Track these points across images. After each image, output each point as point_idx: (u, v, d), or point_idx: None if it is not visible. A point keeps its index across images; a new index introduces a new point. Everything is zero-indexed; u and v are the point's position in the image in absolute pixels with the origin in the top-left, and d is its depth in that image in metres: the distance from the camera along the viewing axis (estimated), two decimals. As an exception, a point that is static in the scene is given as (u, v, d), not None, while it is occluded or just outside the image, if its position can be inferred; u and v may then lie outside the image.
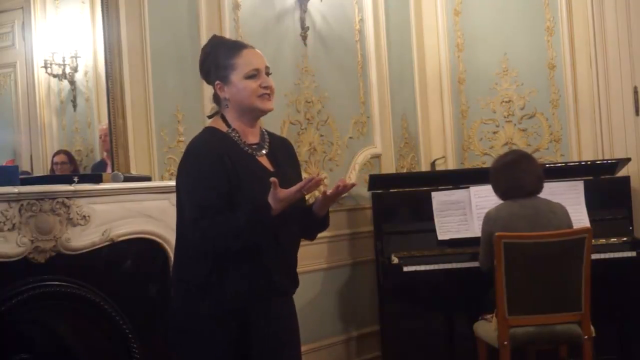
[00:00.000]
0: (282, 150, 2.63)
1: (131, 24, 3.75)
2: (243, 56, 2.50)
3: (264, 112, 2.54)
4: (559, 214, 3.86)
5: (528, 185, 3.87)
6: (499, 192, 3.98)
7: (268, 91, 2.50)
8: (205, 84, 3.98)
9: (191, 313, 2.46)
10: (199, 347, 2.45)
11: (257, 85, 2.48)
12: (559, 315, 3.73)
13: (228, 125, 2.52)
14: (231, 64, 2.49)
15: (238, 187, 2.41)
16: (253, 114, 2.53)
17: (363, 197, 5.02)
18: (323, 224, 2.61)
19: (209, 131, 2.53)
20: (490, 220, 3.89)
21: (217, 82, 2.52)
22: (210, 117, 2.64)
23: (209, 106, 4.02)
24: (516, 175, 3.89)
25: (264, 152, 2.55)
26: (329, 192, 2.48)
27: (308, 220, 2.57)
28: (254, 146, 2.53)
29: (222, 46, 2.56)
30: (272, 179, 2.35)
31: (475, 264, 4.27)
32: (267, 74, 2.53)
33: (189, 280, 2.47)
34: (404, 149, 5.44)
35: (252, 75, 2.49)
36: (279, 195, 2.34)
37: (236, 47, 2.55)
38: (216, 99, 2.57)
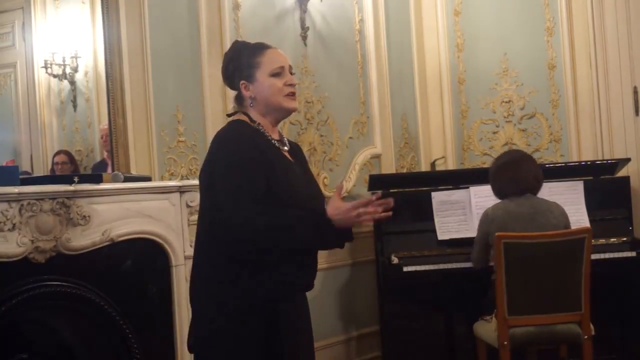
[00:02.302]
0: (297, 153, 2.66)
1: (131, 24, 3.75)
2: (267, 55, 2.53)
3: (289, 112, 2.56)
4: (556, 213, 3.87)
5: (525, 183, 3.89)
6: (496, 190, 3.99)
7: (293, 89, 2.53)
8: (205, 84, 4.05)
9: (219, 312, 2.42)
10: (228, 346, 2.42)
11: (283, 84, 2.50)
12: (559, 315, 3.73)
13: (252, 121, 2.52)
14: (256, 62, 2.51)
15: (272, 176, 2.40)
16: (278, 114, 2.54)
17: (363, 197, 5.00)
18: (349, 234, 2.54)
19: (238, 123, 2.51)
20: (487, 220, 3.90)
21: (242, 81, 2.53)
22: (229, 115, 2.62)
23: (209, 106, 4.04)
24: (514, 174, 3.91)
25: (286, 148, 2.57)
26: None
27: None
28: (278, 141, 2.55)
29: (245, 48, 2.58)
30: (338, 184, 2.42)
31: (475, 264, 4.28)
32: (291, 73, 2.55)
33: (217, 277, 2.42)
34: (404, 149, 5.44)
35: (277, 73, 2.51)
36: (336, 202, 2.36)
37: (260, 46, 2.57)
38: (239, 99, 2.57)
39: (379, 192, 2.71)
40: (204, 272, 2.49)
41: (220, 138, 2.47)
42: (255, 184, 2.36)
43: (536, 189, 3.93)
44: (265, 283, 2.40)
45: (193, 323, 2.53)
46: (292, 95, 2.52)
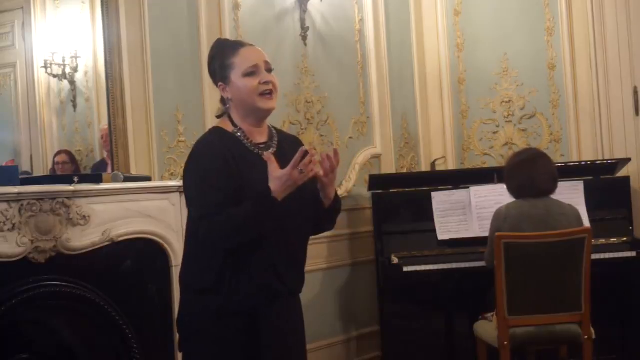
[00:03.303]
0: (293, 148, 2.54)
1: (131, 24, 3.75)
2: (240, 54, 2.48)
3: (266, 112, 2.50)
4: (569, 215, 3.84)
5: (541, 184, 3.85)
6: (512, 190, 3.95)
7: (269, 87, 2.46)
8: (205, 84, 4.05)
9: (201, 314, 2.45)
10: (209, 347, 2.44)
11: (257, 83, 2.45)
12: (559, 315, 3.73)
13: (235, 125, 2.50)
14: (230, 63, 2.48)
15: (244, 188, 2.38)
16: (256, 114, 2.49)
17: (363, 197, 5.01)
18: (335, 209, 2.55)
19: (214, 132, 2.52)
20: (500, 217, 3.87)
21: (219, 83, 2.52)
22: (218, 117, 2.62)
23: (209, 106, 4.04)
24: (530, 174, 3.86)
25: (271, 151, 2.50)
26: (320, 172, 2.43)
27: (320, 211, 2.53)
28: (261, 145, 2.50)
29: (224, 47, 2.55)
30: (266, 154, 2.37)
31: (475, 264, 4.27)
32: (269, 70, 2.49)
33: (198, 282, 2.45)
34: (404, 149, 5.44)
35: (251, 73, 2.46)
36: (274, 173, 2.33)
37: (235, 46, 2.53)
38: (222, 100, 2.56)
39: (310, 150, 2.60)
40: (188, 277, 2.51)
41: (192, 152, 2.48)
42: (218, 197, 2.36)
43: (552, 190, 3.89)
44: (245, 288, 2.41)
45: (177, 323, 2.56)
46: (268, 93, 2.46)
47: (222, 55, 2.52)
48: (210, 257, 2.42)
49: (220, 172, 2.39)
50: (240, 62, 2.47)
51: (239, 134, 2.48)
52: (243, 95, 2.47)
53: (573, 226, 3.80)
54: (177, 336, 2.61)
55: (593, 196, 4.60)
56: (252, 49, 2.52)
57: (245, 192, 2.38)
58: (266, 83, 2.46)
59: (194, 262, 2.48)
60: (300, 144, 2.63)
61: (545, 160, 3.95)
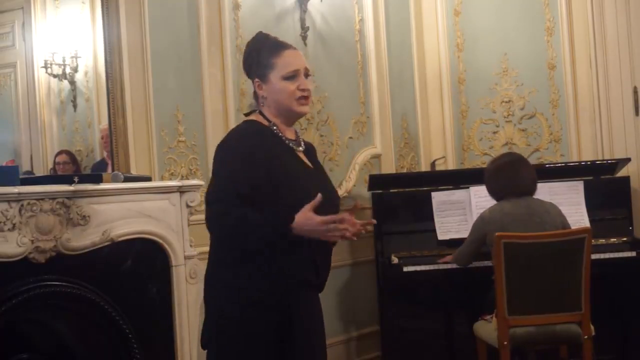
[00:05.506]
0: (311, 153, 2.67)
1: (131, 24, 3.75)
2: (283, 56, 2.52)
3: (299, 116, 2.58)
4: (553, 213, 3.88)
5: (522, 185, 3.91)
6: (493, 193, 4.01)
7: (306, 94, 2.52)
8: (205, 84, 4.06)
9: (235, 310, 2.44)
10: (242, 342, 2.44)
11: (295, 88, 2.50)
12: (559, 315, 3.73)
13: (267, 120, 2.54)
14: (271, 63, 2.51)
15: (277, 181, 2.41)
16: (289, 116, 2.55)
17: (363, 197, 5.01)
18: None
19: (249, 123, 2.54)
20: (484, 221, 3.91)
21: (256, 79, 2.54)
22: (246, 114, 2.64)
23: (209, 106, 4.04)
24: (510, 176, 3.93)
25: (301, 148, 2.58)
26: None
27: None
28: (293, 141, 2.56)
29: (265, 44, 2.57)
30: (319, 195, 2.38)
31: (475, 264, 4.27)
32: (307, 75, 2.55)
33: (231, 279, 2.45)
34: (404, 149, 5.44)
35: (291, 77, 2.50)
36: (308, 214, 2.37)
37: (278, 46, 2.56)
38: (255, 95, 2.59)
39: (358, 202, 2.70)
40: (215, 272, 2.52)
41: (224, 141, 2.51)
42: (242, 185, 2.38)
43: (533, 190, 3.95)
44: (275, 281, 2.42)
45: (205, 321, 2.55)
46: (304, 99, 2.52)
47: (263, 52, 2.53)
48: (247, 253, 2.42)
49: (249, 163, 2.40)
50: (283, 64, 2.51)
51: (274, 127, 2.52)
52: (279, 97, 2.51)
53: (557, 223, 3.85)
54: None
55: (593, 196, 4.60)
56: (295, 53, 2.56)
57: (280, 185, 2.41)
58: (304, 90, 2.52)
59: (228, 259, 2.47)
60: (314, 151, 2.71)
61: (524, 163, 4.02)
